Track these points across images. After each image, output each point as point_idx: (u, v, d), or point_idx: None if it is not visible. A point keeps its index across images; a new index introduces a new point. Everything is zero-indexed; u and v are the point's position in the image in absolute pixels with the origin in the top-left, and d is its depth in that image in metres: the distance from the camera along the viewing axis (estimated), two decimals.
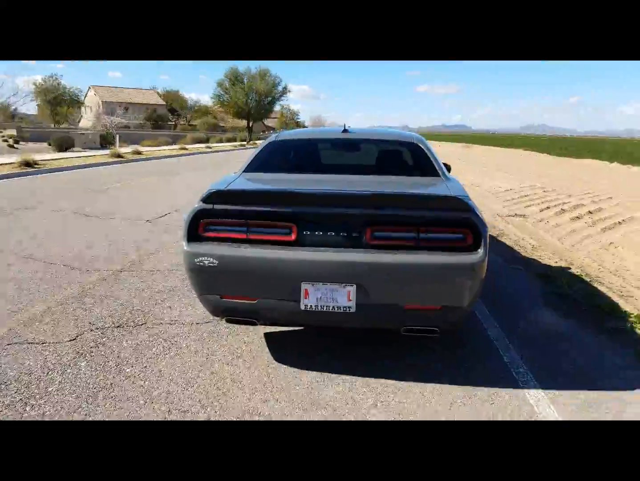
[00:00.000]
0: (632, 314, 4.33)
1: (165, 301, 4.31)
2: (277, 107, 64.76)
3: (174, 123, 70.25)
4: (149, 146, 32.22)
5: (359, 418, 2.65)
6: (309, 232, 2.76)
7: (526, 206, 10.65)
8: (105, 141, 30.74)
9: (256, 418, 2.65)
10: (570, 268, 5.82)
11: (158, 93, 73.68)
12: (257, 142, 55.21)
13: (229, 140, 50.61)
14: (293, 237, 2.75)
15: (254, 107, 48.22)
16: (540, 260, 6.12)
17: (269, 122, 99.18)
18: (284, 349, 3.46)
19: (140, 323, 3.84)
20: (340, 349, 3.49)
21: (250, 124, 52.37)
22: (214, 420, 2.63)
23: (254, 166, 3.95)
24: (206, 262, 2.75)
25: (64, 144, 24.79)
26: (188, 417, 2.64)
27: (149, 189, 11.59)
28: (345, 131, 4.40)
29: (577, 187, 14.48)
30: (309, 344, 3.59)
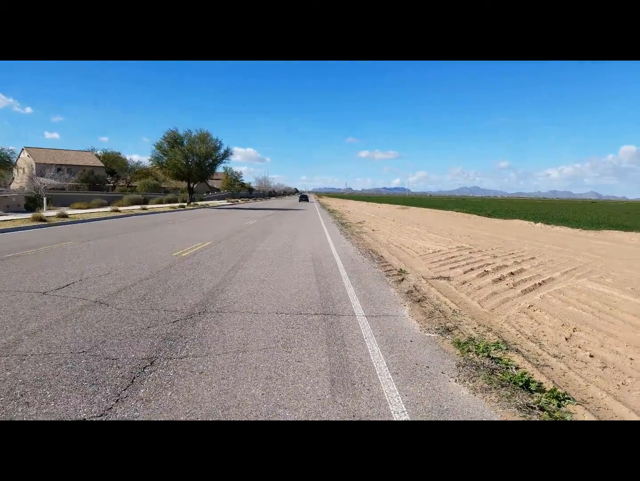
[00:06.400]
0: (547, 389, 4.16)
1: (26, 395, 3.70)
2: (220, 169, 65.05)
3: (111, 185, 68.71)
4: (80, 208, 31.07)
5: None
6: (301, 196, 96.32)
7: (451, 268, 10.69)
8: (34, 204, 29.40)
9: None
10: (488, 335, 5.69)
11: (97, 155, 72.26)
12: (199, 202, 54.69)
13: (169, 201, 49.89)
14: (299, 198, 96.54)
15: (195, 169, 47.82)
16: (458, 326, 5.97)
17: (214, 183, 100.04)
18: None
19: None
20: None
21: (192, 186, 51.95)
22: (214, 420, 3.22)
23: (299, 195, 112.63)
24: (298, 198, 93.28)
25: None
26: None
27: (60, 256, 10.79)
28: (301, 192, 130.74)
29: (503, 248, 14.96)
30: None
